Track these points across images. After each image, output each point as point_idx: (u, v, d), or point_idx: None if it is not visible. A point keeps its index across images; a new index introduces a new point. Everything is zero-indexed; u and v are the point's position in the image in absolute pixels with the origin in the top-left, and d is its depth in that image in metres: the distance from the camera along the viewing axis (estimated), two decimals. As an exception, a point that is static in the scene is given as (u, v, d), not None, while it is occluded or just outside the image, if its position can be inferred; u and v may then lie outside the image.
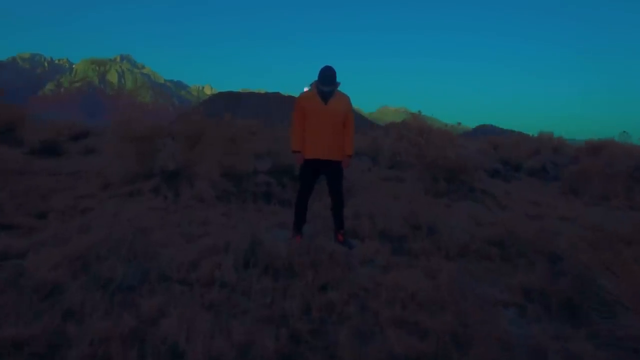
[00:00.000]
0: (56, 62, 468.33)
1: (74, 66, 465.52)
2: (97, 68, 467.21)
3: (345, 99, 3.78)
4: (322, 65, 3.65)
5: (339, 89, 3.74)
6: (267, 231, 4.18)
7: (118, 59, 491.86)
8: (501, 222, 4.79)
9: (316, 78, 3.68)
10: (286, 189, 6.17)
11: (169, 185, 5.90)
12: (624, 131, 12.66)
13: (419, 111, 13.77)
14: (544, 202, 6.85)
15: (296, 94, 3.99)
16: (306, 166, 3.79)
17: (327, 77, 3.57)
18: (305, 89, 3.90)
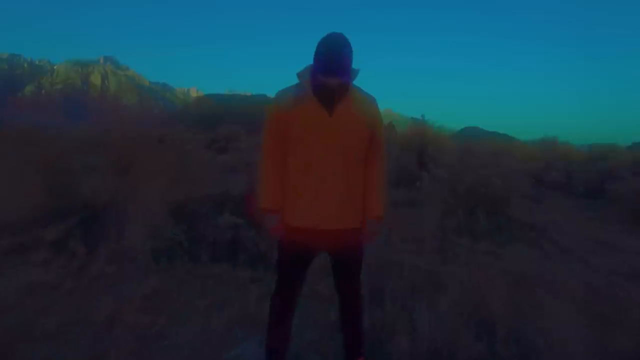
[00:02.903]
0: (36, 63, 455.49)
1: (55, 67, 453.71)
2: (80, 70, 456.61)
3: (370, 103, 1.89)
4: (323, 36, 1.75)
5: (355, 83, 1.84)
6: (227, 342, 2.28)
7: (101, 61, 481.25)
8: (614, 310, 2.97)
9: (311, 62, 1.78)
10: (261, 232, 4.23)
11: (87, 231, 3.92)
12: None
13: (422, 116, 11.93)
14: (615, 241, 5.08)
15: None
16: (289, 245, 1.87)
17: (335, 57, 1.66)
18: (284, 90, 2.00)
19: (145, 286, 3.03)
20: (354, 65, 1.76)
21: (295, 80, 1.85)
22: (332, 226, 1.80)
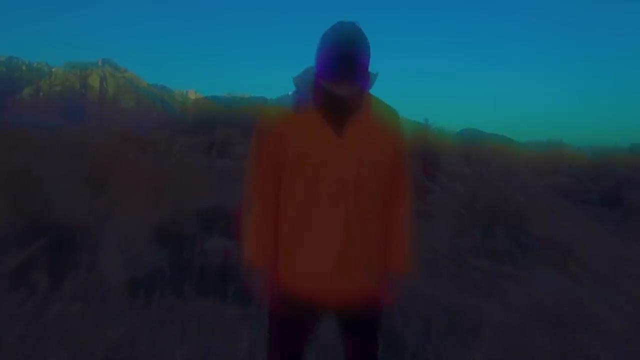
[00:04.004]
0: (35, 65, 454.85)
1: (53, 70, 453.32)
2: (78, 72, 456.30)
3: (393, 119, 1.41)
4: (329, 27, 1.28)
5: (371, 91, 1.36)
6: None
7: (100, 63, 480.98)
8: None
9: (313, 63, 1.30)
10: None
11: (55, 258, 3.43)
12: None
13: (426, 120, 11.52)
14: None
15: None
16: (282, 308, 1.39)
17: (347, 56, 1.19)
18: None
19: (113, 331, 2.53)
20: (371, 69, 1.29)
21: (291, 88, 1.38)
22: (339, 286, 1.32)
